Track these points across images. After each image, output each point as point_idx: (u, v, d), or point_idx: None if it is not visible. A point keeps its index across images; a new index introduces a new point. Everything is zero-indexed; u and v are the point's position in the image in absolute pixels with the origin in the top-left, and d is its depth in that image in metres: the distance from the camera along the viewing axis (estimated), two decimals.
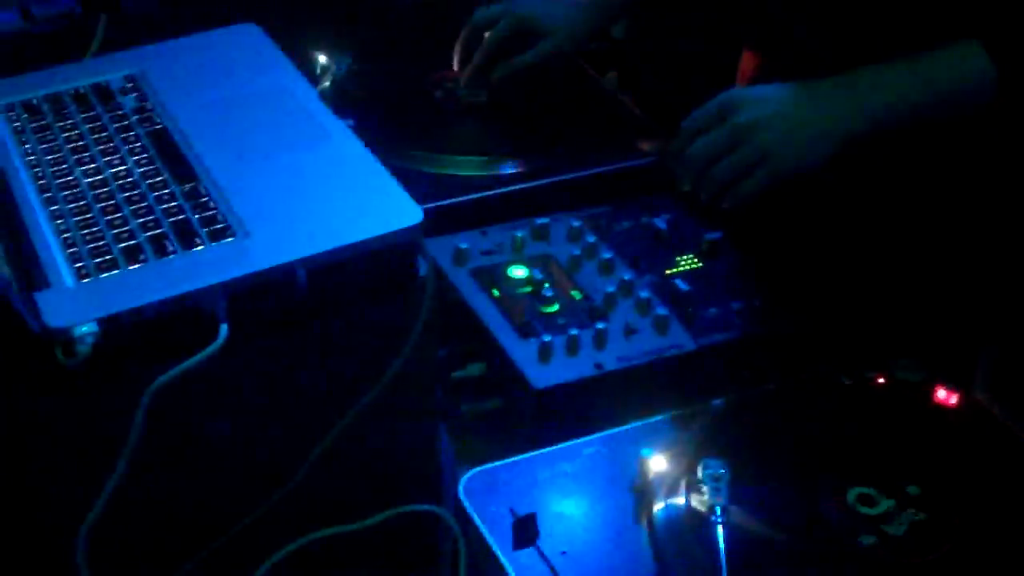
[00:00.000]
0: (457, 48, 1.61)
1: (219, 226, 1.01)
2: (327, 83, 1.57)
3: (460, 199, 1.41)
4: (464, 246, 1.32)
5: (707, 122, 1.25)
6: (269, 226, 1.00)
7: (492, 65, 1.58)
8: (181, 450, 0.97)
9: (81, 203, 1.04)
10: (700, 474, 1.03)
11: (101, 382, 0.90)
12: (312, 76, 1.53)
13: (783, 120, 1.23)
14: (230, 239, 0.99)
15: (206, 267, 0.96)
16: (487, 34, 1.58)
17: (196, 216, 1.02)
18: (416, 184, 1.09)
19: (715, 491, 1.02)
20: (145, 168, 1.08)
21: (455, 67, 1.61)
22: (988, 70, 1.23)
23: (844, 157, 1.27)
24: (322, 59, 1.60)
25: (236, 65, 1.22)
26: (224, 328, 0.92)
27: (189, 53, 1.25)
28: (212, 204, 1.03)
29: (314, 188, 1.05)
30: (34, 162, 1.10)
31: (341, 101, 1.49)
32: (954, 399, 1.18)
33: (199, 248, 0.99)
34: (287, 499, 1.01)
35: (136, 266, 0.97)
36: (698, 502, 1.03)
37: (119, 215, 1.02)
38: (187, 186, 1.06)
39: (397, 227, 1.01)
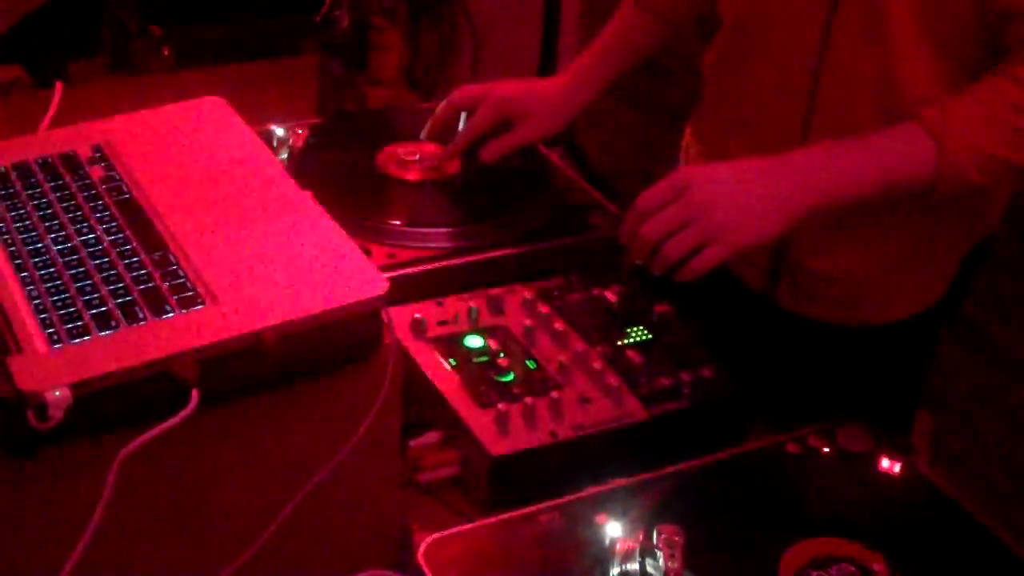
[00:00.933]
0: (430, 122, 1.65)
1: (188, 294, 1.03)
2: (284, 155, 1.60)
3: (416, 270, 1.44)
4: (420, 316, 1.35)
5: (661, 199, 1.29)
6: (237, 294, 1.03)
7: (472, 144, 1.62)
8: (150, 514, 0.98)
9: (52, 270, 1.06)
10: (655, 540, 1.06)
11: (73, 447, 0.92)
12: (269, 148, 1.56)
13: (737, 197, 1.27)
14: (199, 306, 1.02)
15: (176, 334, 0.98)
16: (464, 113, 1.62)
17: (166, 283, 1.04)
18: (372, 255, 1.12)
19: (670, 557, 1.05)
20: (114, 236, 1.10)
21: (423, 136, 1.64)
22: (931, 150, 1.28)
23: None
24: (279, 131, 1.63)
25: (203, 137, 1.25)
26: (195, 394, 0.94)
27: (156, 125, 1.27)
28: (181, 272, 1.05)
29: (281, 257, 1.07)
30: (3, 229, 1.12)
31: (299, 172, 1.52)
32: (897, 467, 1.22)
33: (169, 315, 1.01)
34: (251, 563, 1.02)
35: (107, 332, 0.99)
36: (653, 568, 1.06)
37: (89, 282, 1.04)
38: (156, 254, 1.08)
39: (363, 296, 1.03)
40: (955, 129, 1.27)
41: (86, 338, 0.98)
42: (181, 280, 1.04)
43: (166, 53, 2.77)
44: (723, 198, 1.26)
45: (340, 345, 1.03)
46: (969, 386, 2.41)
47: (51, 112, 1.74)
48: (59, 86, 1.81)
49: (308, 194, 1.16)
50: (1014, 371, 2.33)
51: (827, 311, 1.53)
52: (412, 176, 1.61)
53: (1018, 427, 2.35)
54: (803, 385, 1.50)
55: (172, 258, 1.07)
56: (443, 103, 1.63)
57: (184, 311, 1.01)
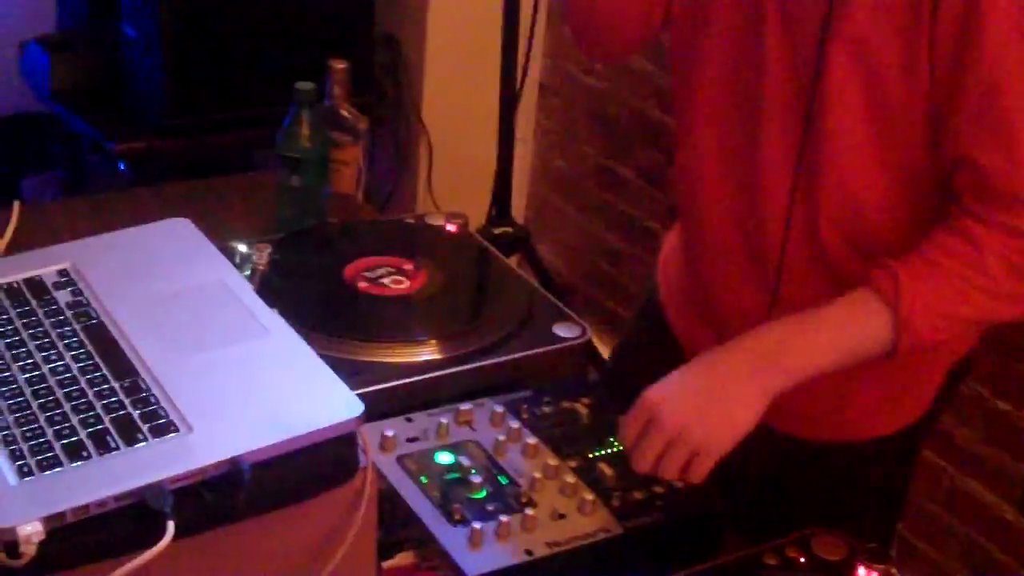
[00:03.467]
0: None
1: (161, 422, 1.02)
2: (247, 272, 1.60)
3: (383, 386, 1.44)
4: (390, 433, 1.34)
5: (638, 432, 1.30)
6: (211, 421, 1.02)
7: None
8: None
9: (20, 399, 1.04)
10: None
11: None
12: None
13: (706, 409, 1.28)
14: (172, 435, 1.00)
15: (149, 463, 0.97)
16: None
17: (137, 411, 1.03)
18: (338, 372, 1.11)
19: None
20: (83, 363, 1.09)
21: None
22: (887, 319, 1.29)
23: None
24: (242, 248, 1.63)
25: (170, 259, 1.25)
26: (171, 525, 0.93)
27: (122, 247, 1.27)
28: (153, 399, 1.04)
29: (254, 381, 1.07)
30: None
31: (263, 290, 1.51)
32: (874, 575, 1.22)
33: (142, 444, 0.99)
34: None
35: (79, 463, 0.97)
36: None
37: (59, 411, 1.03)
38: (126, 381, 1.07)
39: (338, 419, 1.03)
40: (908, 297, 1.28)
41: (57, 469, 0.97)
42: (153, 407, 1.03)
43: (121, 169, 2.77)
44: (694, 417, 1.28)
45: (316, 470, 1.02)
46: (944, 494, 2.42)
47: (9, 233, 1.73)
48: (16, 206, 1.80)
49: (279, 317, 1.16)
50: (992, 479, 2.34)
51: (811, 429, 1.54)
52: (379, 290, 1.61)
53: (988, 532, 2.36)
54: (779, 498, 1.49)
55: (143, 384, 1.06)
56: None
57: (157, 439, 1.00)
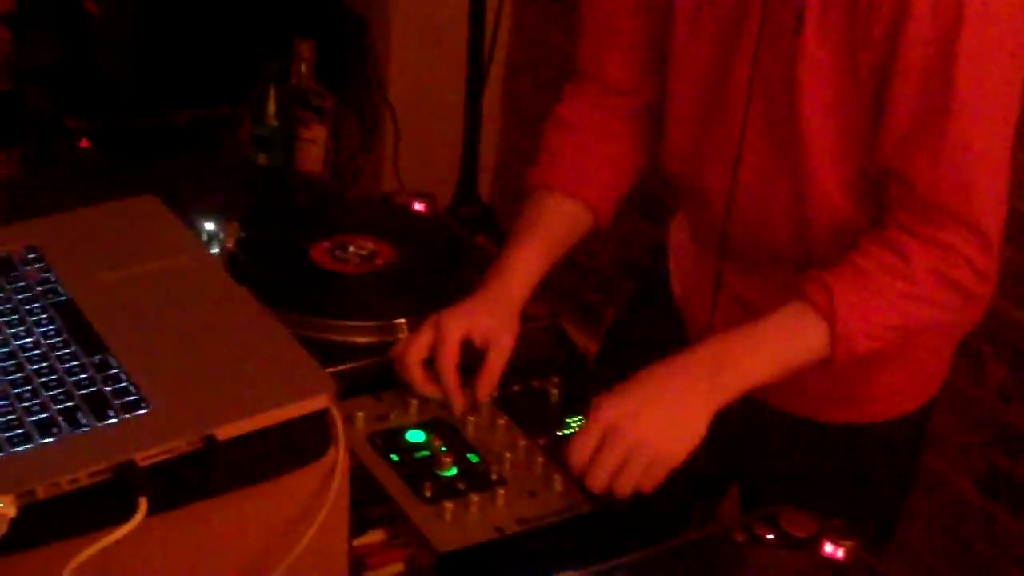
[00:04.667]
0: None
1: (132, 398, 1.01)
2: (216, 250, 1.59)
3: (352, 364, 1.43)
4: (360, 412, 1.34)
5: (594, 445, 1.29)
6: (183, 398, 1.01)
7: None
8: None
9: None
10: None
11: (20, 558, 0.89)
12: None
13: (662, 423, 1.29)
14: (143, 411, 1.00)
15: (121, 440, 0.97)
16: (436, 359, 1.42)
17: (108, 388, 1.02)
18: (309, 350, 1.11)
19: None
20: (53, 340, 1.09)
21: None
22: (823, 331, 1.32)
23: None
24: (209, 226, 1.62)
25: (139, 237, 1.24)
26: (143, 502, 0.92)
27: (91, 225, 1.26)
28: (123, 376, 1.04)
29: (226, 359, 1.07)
30: None
31: (231, 268, 1.50)
32: (841, 552, 1.23)
33: (112, 421, 0.99)
34: None
35: (50, 439, 0.97)
36: None
37: (29, 388, 1.02)
38: (96, 358, 1.06)
39: (309, 396, 1.02)
40: (842, 311, 1.30)
41: (28, 446, 0.96)
42: (123, 384, 1.03)
43: (85, 146, 2.75)
44: (651, 430, 1.28)
45: (289, 447, 1.02)
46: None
47: None
48: None
49: (249, 293, 1.15)
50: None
51: (815, 408, 1.55)
52: (348, 269, 1.61)
53: (944, 507, 2.39)
54: (797, 484, 1.51)
55: (113, 361, 1.06)
56: (395, 361, 1.44)
57: (128, 416, 1.00)
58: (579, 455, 1.28)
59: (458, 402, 1.38)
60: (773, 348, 1.34)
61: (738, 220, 1.46)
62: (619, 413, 1.29)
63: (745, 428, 1.50)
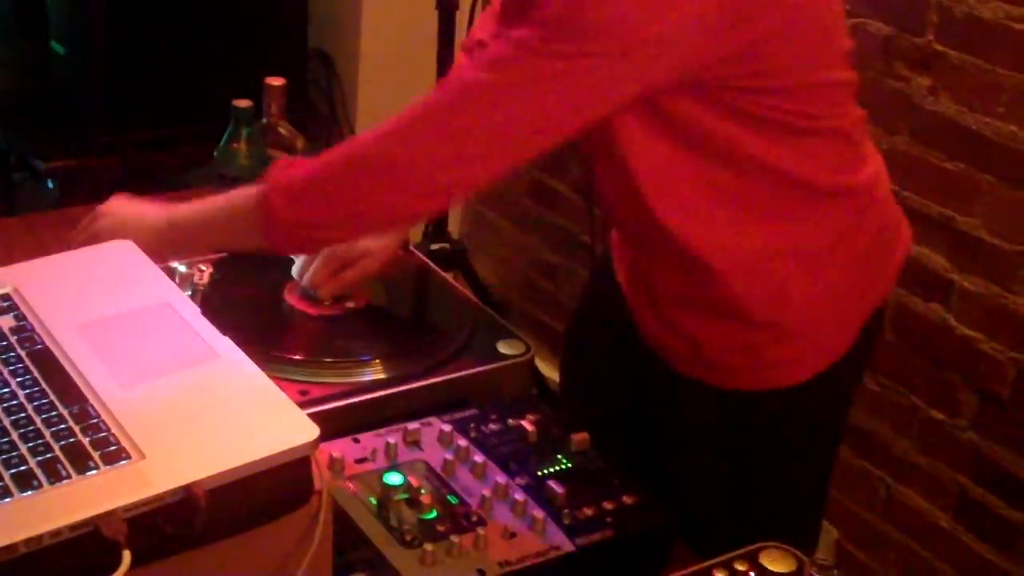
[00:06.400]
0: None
1: (112, 449, 1.00)
2: (188, 293, 1.58)
3: (328, 407, 1.43)
4: (337, 455, 1.34)
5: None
6: (164, 447, 1.00)
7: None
8: None
9: None
10: None
11: None
12: None
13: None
14: (125, 462, 0.99)
15: (103, 492, 0.95)
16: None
17: (87, 439, 1.01)
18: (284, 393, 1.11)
19: None
20: (29, 390, 1.07)
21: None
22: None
23: None
24: (181, 268, 1.61)
25: (114, 282, 1.23)
26: (126, 555, 0.91)
27: (65, 270, 1.25)
28: (103, 426, 1.03)
29: (206, 406, 1.06)
30: None
31: (205, 310, 1.49)
32: None
33: (93, 472, 0.98)
34: None
35: (30, 492, 0.95)
36: None
37: (6, 440, 1.01)
38: (75, 408, 1.05)
39: (293, 444, 1.02)
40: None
41: (7, 500, 0.95)
42: (103, 434, 1.02)
43: (49, 187, 2.73)
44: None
45: (272, 495, 1.01)
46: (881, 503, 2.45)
47: None
48: None
49: (228, 339, 1.14)
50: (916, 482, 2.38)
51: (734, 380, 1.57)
52: (320, 310, 1.60)
53: (917, 536, 2.40)
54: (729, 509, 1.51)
55: (92, 411, 1.05)
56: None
57: (109, 467, 0.99)
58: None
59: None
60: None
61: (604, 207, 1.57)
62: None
63: (660, 395, 1.59)
